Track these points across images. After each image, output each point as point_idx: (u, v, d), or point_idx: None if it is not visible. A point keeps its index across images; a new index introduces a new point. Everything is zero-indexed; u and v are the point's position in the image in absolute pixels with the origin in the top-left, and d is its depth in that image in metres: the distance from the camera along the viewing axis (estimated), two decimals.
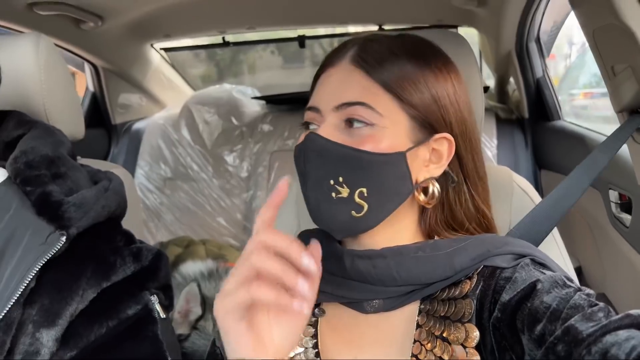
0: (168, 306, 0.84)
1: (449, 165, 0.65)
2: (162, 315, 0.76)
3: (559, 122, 1.80)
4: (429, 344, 0.58)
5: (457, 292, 0.60)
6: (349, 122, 0.61)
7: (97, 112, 2.16)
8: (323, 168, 0.60)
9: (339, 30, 2.20)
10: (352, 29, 2.13)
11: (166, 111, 2.37)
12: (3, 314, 0.64)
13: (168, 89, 2.39)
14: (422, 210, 0.66)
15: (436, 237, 0.66)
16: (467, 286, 0.59)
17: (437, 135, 0.63)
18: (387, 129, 0.60)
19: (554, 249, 0.81)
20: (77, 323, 0.67)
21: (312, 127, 0.64)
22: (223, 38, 2.18)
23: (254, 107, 2.28)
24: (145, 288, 0.76)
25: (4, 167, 0.77)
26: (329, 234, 0.66)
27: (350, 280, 0.63)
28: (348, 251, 0.64)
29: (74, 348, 0.66)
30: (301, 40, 2.20)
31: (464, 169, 0.67)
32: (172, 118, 2.24)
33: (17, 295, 0.64)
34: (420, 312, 0.61)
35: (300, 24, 2.09)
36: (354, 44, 0.65)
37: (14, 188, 0.73)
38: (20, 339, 0.65)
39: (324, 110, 0.62)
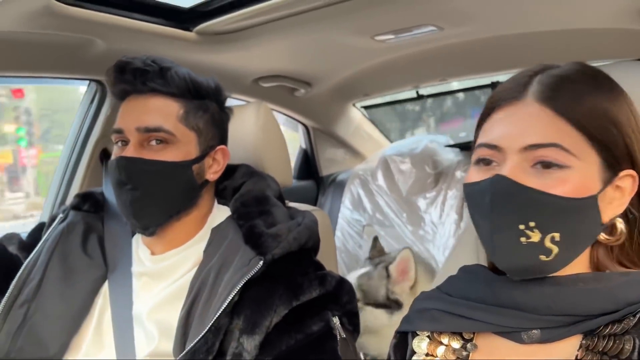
0: (353, 332, 0.95)
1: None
2: (343, 334, 0.87)
3: None
4: None
5: (618, 329, 0.57)
6: (539, 164, 0.59)
7: (307, 166, 2.49)
8: (513, 213, 0.59)
9: None
10: None
11: (365, 163, 2.58)
12: (213, 321, 0.80)
13: (368, 142, 2.61)
14: (594, 243, 0.64)
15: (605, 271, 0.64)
16: (630, 323, 0.56)
17: (623, 173, 0.61)
18: (579, 171, 0.59)
19: None
20: (272, 334, 0.81)
21: (493, 164, 0.62)
22: (417, 92, 2.30)
23: (448, 155, 2.32)
24: (328, 310, 0.88)
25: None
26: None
27: (502, 308, 0.63)
28: (502, 277, 0.65)
29: (269, 355, 0.80)
30: (494, 87, 2.19)
31: None
32: (371, 169, 2.42)
33: (224, 307, 0.80)
34: (580, 346, 0.59)
35: (492, 71, 2.10)
36: (532, 78, 0.63)
37: (233, 222, 0.94)
38: (231, 344, 0.81)
39: (508, 150, 0.60)
